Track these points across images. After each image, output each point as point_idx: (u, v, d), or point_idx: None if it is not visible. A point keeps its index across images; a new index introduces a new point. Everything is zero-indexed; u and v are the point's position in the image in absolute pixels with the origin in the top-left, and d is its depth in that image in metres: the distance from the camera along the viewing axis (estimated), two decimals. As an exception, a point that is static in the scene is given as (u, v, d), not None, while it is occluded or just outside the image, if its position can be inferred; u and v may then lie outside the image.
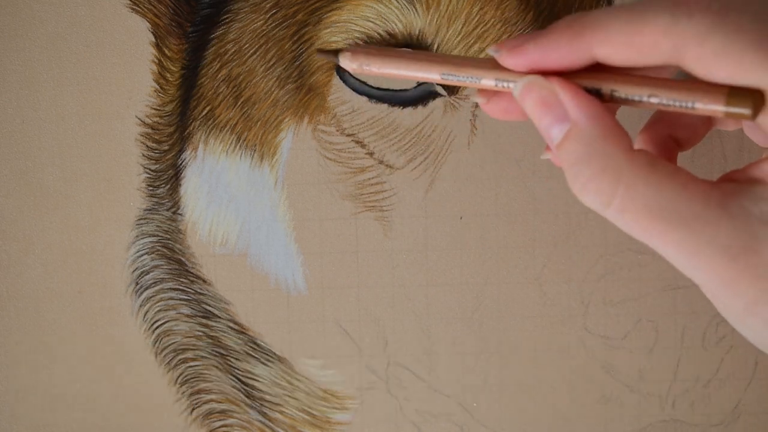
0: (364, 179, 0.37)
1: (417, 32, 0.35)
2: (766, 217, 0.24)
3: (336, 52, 0.32)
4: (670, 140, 0.31)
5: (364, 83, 0.36)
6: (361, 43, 0.33)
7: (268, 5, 0.36)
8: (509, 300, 0.37)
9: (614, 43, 0.25)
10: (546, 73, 0.27)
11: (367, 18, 0.35)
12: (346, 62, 0.31)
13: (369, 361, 0.38)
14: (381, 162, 0.37)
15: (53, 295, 0.38)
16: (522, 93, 0.28)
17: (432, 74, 0.29)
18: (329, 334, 0.38)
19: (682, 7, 0.24)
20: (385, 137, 0.36)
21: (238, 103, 0.37)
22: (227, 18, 0.36)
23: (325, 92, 0.36)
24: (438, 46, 0.35)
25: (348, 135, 0.37)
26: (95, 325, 0.38)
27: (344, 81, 0.36)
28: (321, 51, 0.33)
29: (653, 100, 0.27)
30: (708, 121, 0.28)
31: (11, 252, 0.37)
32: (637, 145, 0.31)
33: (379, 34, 0.35)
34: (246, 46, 0.36)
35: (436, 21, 0.35)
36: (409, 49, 0.32)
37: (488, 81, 0.28)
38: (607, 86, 0.27)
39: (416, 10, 0.35)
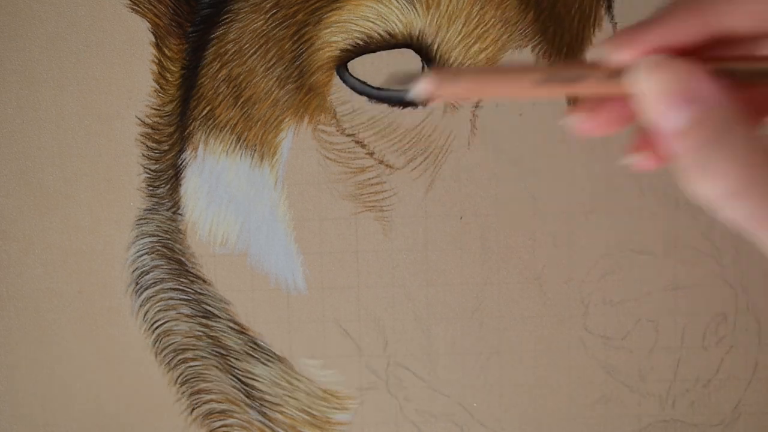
0: (364, 179, 0.37)
1: (417, 32, 0.35)
2: None
3: (414, 77, 0.26)
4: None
5: (364, 83, 0.36)
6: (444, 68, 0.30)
7: (269, 5, 0.36)
8: (509, 300, 0.37)
9: (743, 8, 0.24)
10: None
11: (367, 18, 0.35)
12: (433, 86, 0.25)
13: (369, 361, 0.38)
14: (381, 162, 0.37)
15: (53, 295, 0.38)
16: (644, 76, 0.25)
17: (524, 84, 0.25)
18: (329, 334, 0.38)
19: None
20: (385, 137, 0.36)
21: (238, 103, 0.37)
22: (227, 18, 0.36)
23: (325, 92, 0.36)
24: (438, 46, 0.35)
25: (348, 135, 0.37)
26: (95, 325, 0.38)
27: (344, 81, 0.36)
28: (393, 78, 0.27)
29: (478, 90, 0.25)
30: None
31: (11, 252, 0.37)
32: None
33: (379, 34, 0.35)
34: (246, 46, 0.36)
35: (437, 21, 0.35)
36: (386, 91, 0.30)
37: (595, 79, 0.25)
38: (733, 65, 0.26)
39: (416, 10, 0.35)
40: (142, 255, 0.38)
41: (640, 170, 0.27)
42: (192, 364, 0.38)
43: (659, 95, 0.25)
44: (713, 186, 0.24)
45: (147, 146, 0.37)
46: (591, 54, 0.26)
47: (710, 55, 0.26)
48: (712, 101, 0.25)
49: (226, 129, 0.37)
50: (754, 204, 0.23)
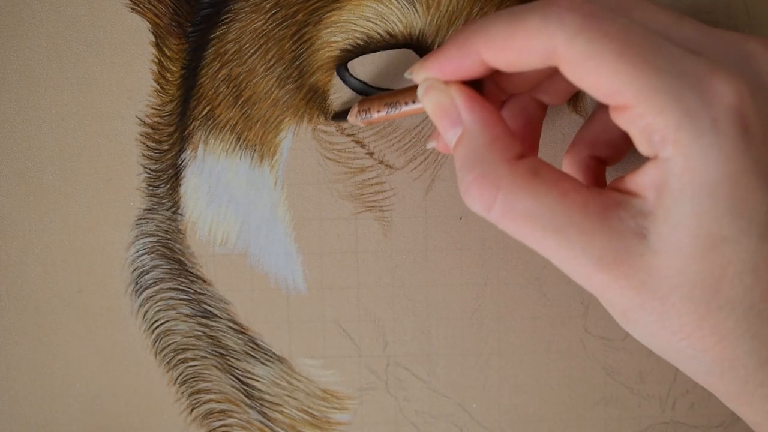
0: (364, 179, 0.37)
1: (417, 32, 0.35)
2: (641, 231, 0.24)
3: (346, 113, 0.34)
4: (592, 160, 0.32)
5: (365, 83, 0.36)
6: (364, 98, 0.34)
7: (269, 5, 0.36)
8: (509, 300, 0.37)
9: (495, 46, 0.26)
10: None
11: (367, 18, 0.35)
12: (353, 117, 0.34)
13: (368, 361, 0.38)
14: (381, 162, 0.37)
15: (53, 295, 0.38)
16: (422, 96, 0.29)
17: (380, 112, 0.32)
18: (329, 334, 0.38)
19: (554, 8, 0.24)
20: (385, 137, 0.36)
21: (238, 103, 0.36)
22: (227, 18, 0.36)
23: (326, 92, 0.36)
24: (438, 46, 0.35)
25: (348, 135, 0.36)
26: (95, 325, 0.38)
27: (344, 81, 0.36)
28: (335, 116, 0.36)
29: (376, 115, 0.32)
30: (628, 138, 0.28)
31: (11, 252, 0.38)
32: (564, 169, 0.32)
33: (379, 34, 0.35)
34: (246, 46, 0.36)
35: (437, 21, 0.35)
36: (391, 91, 0.33)
37: (413, 104, 0.30)
38: (364, 108, 0.32)
39: (416, 10, 0.35)
40: (141, 255, 0.38)
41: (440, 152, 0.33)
42: (191, 363, 0.38)
43: (433, 115, 0.28)
44: (472, 203, 0.27)
45: (147, 146, 0.37)
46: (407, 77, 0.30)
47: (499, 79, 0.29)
48: (469, 127, 0.27)
49: (226, 129, 0.37)
50: (510, 224, 0.26)
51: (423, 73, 0.29)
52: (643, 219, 0.24)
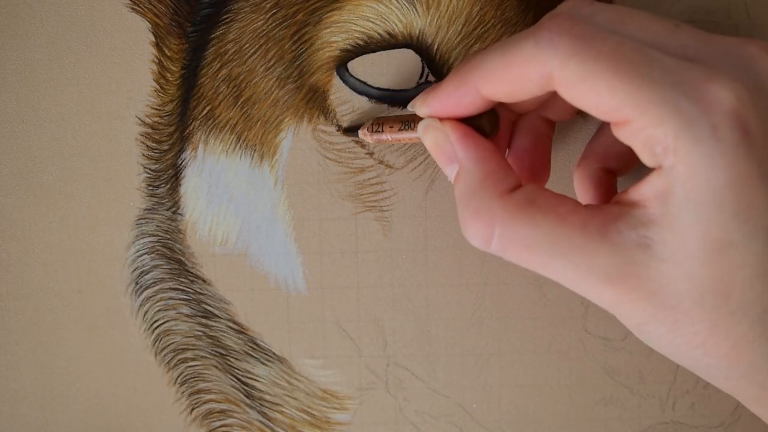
0: (364, 179, 0.37)
1: (417, 32, 0.35)
2: (643, 241, 0.24)
3: (357, 128, 0.35)
4: (603, 172, 0.32)
5: (365, 83, 0.36)
6: (377, 117, 0.35)
7: (269, 5, 0.36)
8: (509, 300, 0.37)
9: (492, 80, 0.27)
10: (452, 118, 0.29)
11: (368, 18, 0.35)
12: (364, 134, 0.35)
13: (368, 361, 0.38)
14: (381, 162, 0.37)
15: (53, 295, 0.38)
16: (421, 134, 0.30)
17: (392, 129, 0.33)
18: (329, 334, 0.38)
19: (545, 33, 0.25)
20: (385, 137, 0.36)
21: (238, 103, 0.36)
22: (227, 18, 0.36)
23: (326, 92, 0.36)
24: (438, 46, 0.35)
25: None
26: (95, 325, 0.38)
27: (344, 81, 0.36)
28: (347, 131, 0.36)
29: (387, 133, 0.33)
30: None
31: (11, 252, 0.38)
32: (576, 183, 0.33)
33: (379, 34, 0.35)
34: (246, 45, 0.36)
35: (437, 21, 0.35)
36: (403, 113, 0.34)
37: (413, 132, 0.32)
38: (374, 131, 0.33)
39: (416, 10, 0.35)
40: (141, 255, 0.38)
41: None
42: (191, 363, 0.38)
43: (432, 152, 0.29)
44: (472, 239, 0.27)
45: (147, 146, 0.37)
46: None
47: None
48: (463, 164, 0.28)
49: (226, 129, 0.37)
50: (513, 255, 0.26)
51: (424, 109, 0.30)
52: (644, 229, 0.24)
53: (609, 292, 0.25)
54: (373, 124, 0.34)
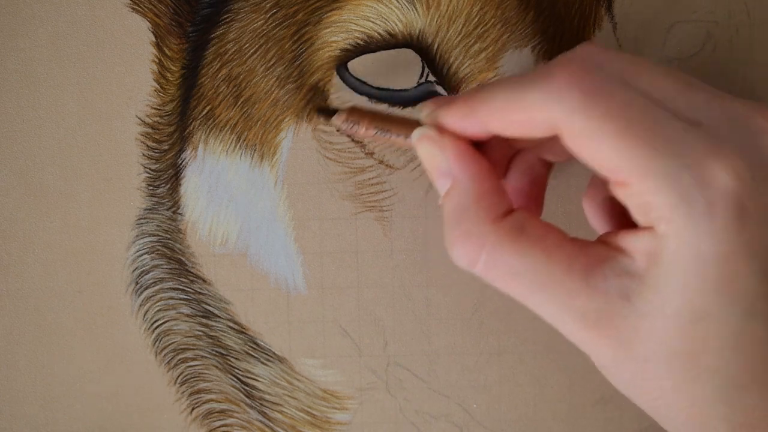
0: (364, 179, 0.37)
1: (417, 32, 0.35)
2: (625, 291, 0.24)
3: (334, 112, 0.34)
4: (610, 201, 0.32)
5: (365, 83, 0.36)
6: (357, 107, 0.34)
7: (269, 5, 0.36)
8: (509, 300, 0.37)
9: (498, 119, 0.26)
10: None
11: (368, 18, 0.35)
12: (339, 122, 0.33)
13: (369, 361, 0.38)
14: (381, 162, 0.37)
15: (53, 295, 0.38)
16: (415, 142, 0.29)
17: (369, 130, 0.32)
18: (329, 334, 0.38)
19: (554, 83, 0.24)
20: (385, 137, 0.36)
21: (238, 103, 0.36)
22: (227, 18, 0.36)
23: (326, 92, 0.36)
24: (438, 46, 0.35)
25: (348, 135, 0.36)
26: (95, 325, 0.38)
27: (344, 81, 0.36)
28: (321, 110, 0.36)
29: (363, 131, 0.32)
30: None
31: (11, 252, 0.38)
32: (586, 211, 0.32)
33: (379, 34, 0.35)
34: (246, 45, 0.36)
35: (437, 21, 0.35)
36: (388, 113, 0.33)
37: (405, 139, 0.31)
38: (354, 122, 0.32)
39: (416, 10, 0.35)
40: (142, 254, 0.38)
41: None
42: (192, 363, 0.38)
43: (425, 163, 0.29)
44: (457, 258, 0.27)
45: (147, 146, 0.37)
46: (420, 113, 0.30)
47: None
48: (457, 178, 0.28)
49: (226, 129, 0.37)
50: (495, 280, 0.27)
51: (430, 122, 0.29)
52: (629, 280, 0.24)
53: (582, 332, 0.25)
54: (349, 115, 0.33)
